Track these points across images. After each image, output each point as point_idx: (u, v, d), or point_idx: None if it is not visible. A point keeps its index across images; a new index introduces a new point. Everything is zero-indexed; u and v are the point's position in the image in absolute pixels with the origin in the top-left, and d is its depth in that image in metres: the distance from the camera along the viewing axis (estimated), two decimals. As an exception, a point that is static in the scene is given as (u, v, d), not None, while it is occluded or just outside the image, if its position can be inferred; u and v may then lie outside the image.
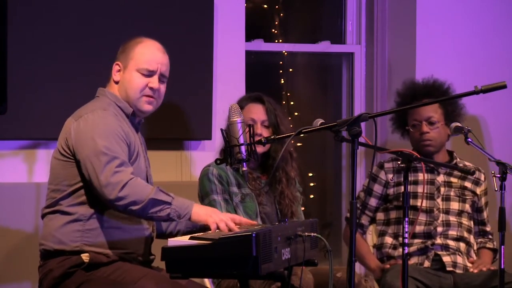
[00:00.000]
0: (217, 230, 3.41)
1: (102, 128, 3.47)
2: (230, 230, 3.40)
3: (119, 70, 3.65)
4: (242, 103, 4.25)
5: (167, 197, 3.40)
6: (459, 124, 4.36)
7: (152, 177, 3.81)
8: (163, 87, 3.69)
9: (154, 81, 3.63)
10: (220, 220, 3.41)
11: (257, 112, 4.26)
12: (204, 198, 4.17)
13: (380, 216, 4.73)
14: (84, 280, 3.47)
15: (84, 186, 3.51)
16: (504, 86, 3.34)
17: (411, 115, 4.70)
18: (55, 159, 3.59)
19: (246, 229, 3.28)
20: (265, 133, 4.20)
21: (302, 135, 3.49)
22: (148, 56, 3.64)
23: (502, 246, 4.04)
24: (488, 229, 4.77)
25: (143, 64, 3.62)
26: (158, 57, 3.66)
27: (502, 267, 4.03)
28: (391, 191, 4.67)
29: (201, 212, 3.44)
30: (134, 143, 3.59)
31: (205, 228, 3.56)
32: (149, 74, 3.63)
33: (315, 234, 3.35)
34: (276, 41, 5.63)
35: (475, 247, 4.69)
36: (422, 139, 4.63)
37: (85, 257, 3.49)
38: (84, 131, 3.47)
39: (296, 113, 5.68)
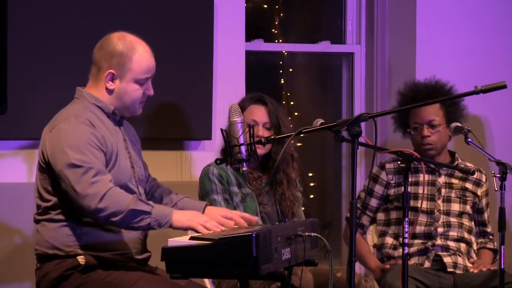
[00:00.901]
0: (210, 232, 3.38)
1: (73, 139, 3.42)
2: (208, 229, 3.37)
3: (112, 79, 3.57)
4: (244, 104, 4.25)
5: (146, 206, 3.35)
6: (459, 124, 4.36)
7: (142, 169, 3.74)
8: None
9: (149, 87, 3.61)
10: (204, 221, 3.37)
11: (259, 114, 4.25)
12: (204, 197, 4.17)
13: (380, 216, 4.72)
14: (80, 283, 3.46)
15: (62, 197, 3.47)
16: (504, 86, 3.34)
17: (412, 118, 4.68)
18: (37, 170, 3.57)
19: (246, 229, 3.28)
20: (267, 135, 4.19)
21: (302, 135, 3.49)
22: (146, 66, 3.58)
23: (502, 246, 4.04)
24: (488, 229, 4.77)
25: (142, 75, 3.57)
26: (153, 64, 3.61)
27: (502, 267, 4.03)
28: (392, 191, 4.67)
29: (183, 219, 3.38)
30: (111, 145, 3.53)
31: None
32: (146, 81, 3.60)
33: (315, 234, 3.35)
34: (276, 41, 5.63)
35: (475, 247, 4.69)
36: (423, 142, 4.61)
37: (81, 259, 3.48)
38: (56, 143, 3.44)
39: (296, 113, 5.68)
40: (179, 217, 3.39)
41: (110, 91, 3.59)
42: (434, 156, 4.64)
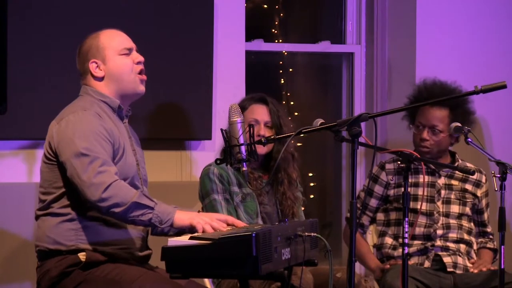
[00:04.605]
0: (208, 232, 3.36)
1: (82, 129, 3.45)
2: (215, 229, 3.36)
3: (97, 66, 3.62)
4: (245, 104, 4.25)
5: (150, 202, 3.37)
6: (459, 124, 4.36)
7: (145, 170, 3.77)
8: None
9: (136, 56, 3.65)
10: (204, 222, 3.36)
11: (261, 112, 4.26)
12: (205, 197, 4.17)
13: (380, 216, 4.72)
14: (82, 280, 3.46)
15: (68, 188, 3.49)
16: (504, 86, 3.34)
17: (419, 116, 4.65)
18: (42, 162, 3.59)
19: (246, 229, 3.27)
20: (268, 134, 4.20)
21: (302, 135, 3.49)
22: (118, 38, 3.65)
23: (502, 246, 4.04)
24: (488, 230, 4.77)
25: (120, 46, 3.63)
26: (123, 36, 3.67)
27: (502, 267, 4.03)
28: (391, 192, 4.67)
29: (184, 217, 3.38)
30: (119, 139, 3.56)
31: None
32: (129, 52, 3.64)
33: (315, 234, 3.35)
34: (276, 41, 5.63)
35: (475, 247, 4.69)
36: (421, 144, 4.62)
37: (82, 256, 3.48)
38: (64, 133, 3.47)
39: (296, 113, 5.68)
40: (181, 216, 3.39)
41: (101, 78, 3.63)
42: (432, 158, 4.63)
